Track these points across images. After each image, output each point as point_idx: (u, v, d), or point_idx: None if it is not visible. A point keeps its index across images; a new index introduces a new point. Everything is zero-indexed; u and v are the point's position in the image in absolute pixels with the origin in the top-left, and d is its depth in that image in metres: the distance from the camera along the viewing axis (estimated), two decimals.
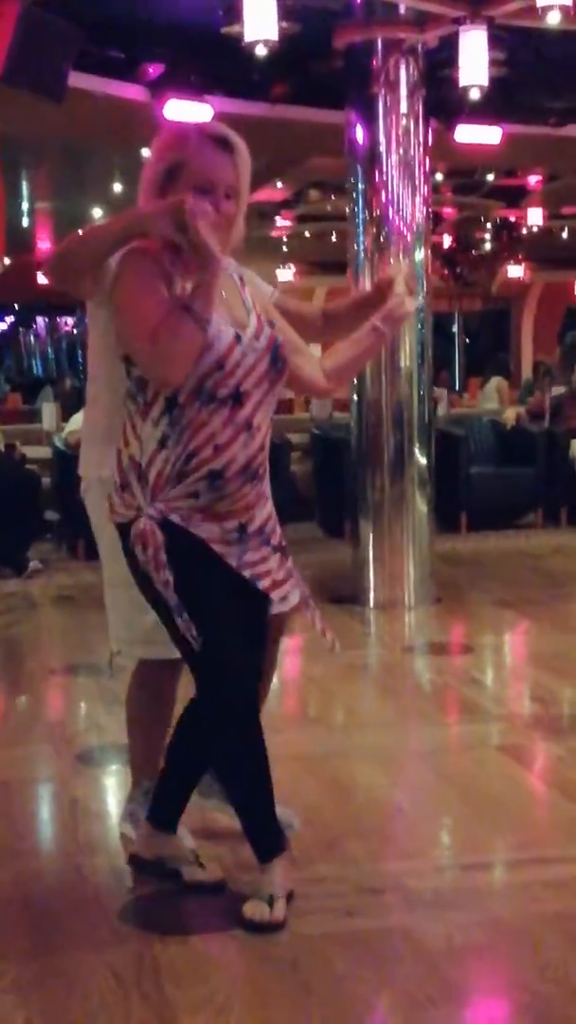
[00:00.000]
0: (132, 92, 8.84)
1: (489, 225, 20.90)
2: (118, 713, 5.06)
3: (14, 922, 3.49)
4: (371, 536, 8.27)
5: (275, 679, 6.56)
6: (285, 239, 20.96)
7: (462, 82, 7.99)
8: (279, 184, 16.38)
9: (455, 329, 26.15)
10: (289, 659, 7.04)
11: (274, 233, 20.23)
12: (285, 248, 21.72)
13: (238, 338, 3.35)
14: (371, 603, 8.17)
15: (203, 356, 3.27)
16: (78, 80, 7.99)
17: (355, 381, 8.26)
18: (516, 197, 18.39)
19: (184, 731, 3.63)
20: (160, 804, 3.68)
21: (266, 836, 3.49)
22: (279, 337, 3.48)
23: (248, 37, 7.07)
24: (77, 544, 9.69)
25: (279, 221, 19.54)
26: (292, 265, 23.01)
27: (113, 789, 4.77)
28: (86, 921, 3.48)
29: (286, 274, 23.20)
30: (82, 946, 3.35)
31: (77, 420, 10.02)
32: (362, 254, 8.20)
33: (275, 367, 3.44)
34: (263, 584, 3.50)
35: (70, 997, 3.08)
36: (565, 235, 21.34)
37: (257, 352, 3.39)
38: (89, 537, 4.18)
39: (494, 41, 7.96)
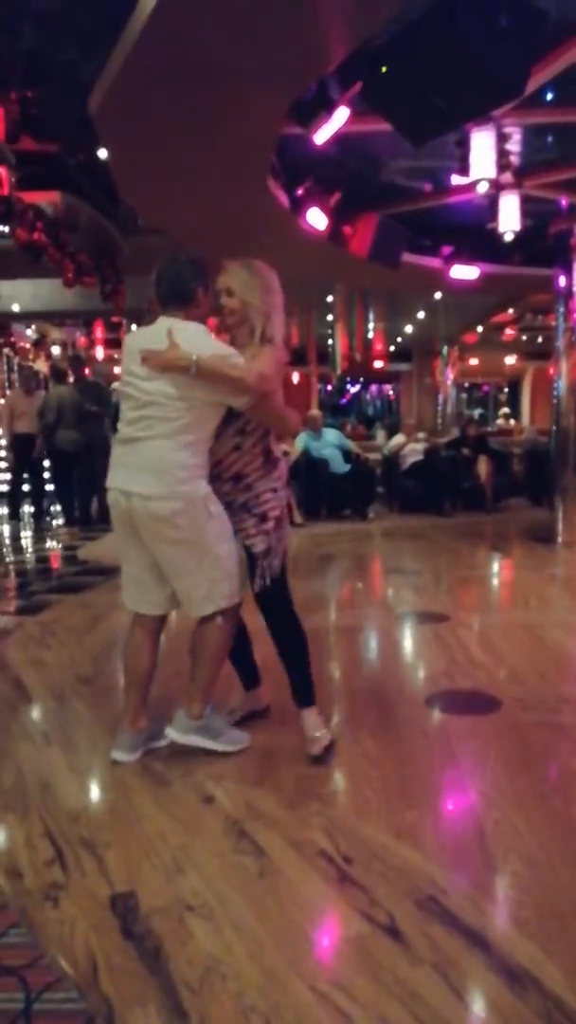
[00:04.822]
0: (433, 262, 8.88)
1: None
2: (411, 595, 5.18)
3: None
4: (561, 506, 8.09)
5: (512, 582, 6.55)
6: (511, 341, 20.37)
7: None
8: (510, 310, 15.98)
9: None
10: (514, 573, 7.02)
11: (504, 338, 19.71)
12: (511, 346, 21.10)
13: None
14: (559, 542, 8.01)
15: None
16: (405, 257, 8.13)
17: (554, 415, 8.08)
18: None
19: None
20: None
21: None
22: None
23: (501, 228, 7.05)
24: (393, 502, 9.92)
25: (507, 331, 19.03)
26: (515, 355, 22.31)
27: (414, 631, 4.87)
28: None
29: (510, 359, 22.58)
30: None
31: (397, 439, 10.15)
32: (560, 349, 8.00)
33: None
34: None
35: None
36: None
37: None
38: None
39: None
